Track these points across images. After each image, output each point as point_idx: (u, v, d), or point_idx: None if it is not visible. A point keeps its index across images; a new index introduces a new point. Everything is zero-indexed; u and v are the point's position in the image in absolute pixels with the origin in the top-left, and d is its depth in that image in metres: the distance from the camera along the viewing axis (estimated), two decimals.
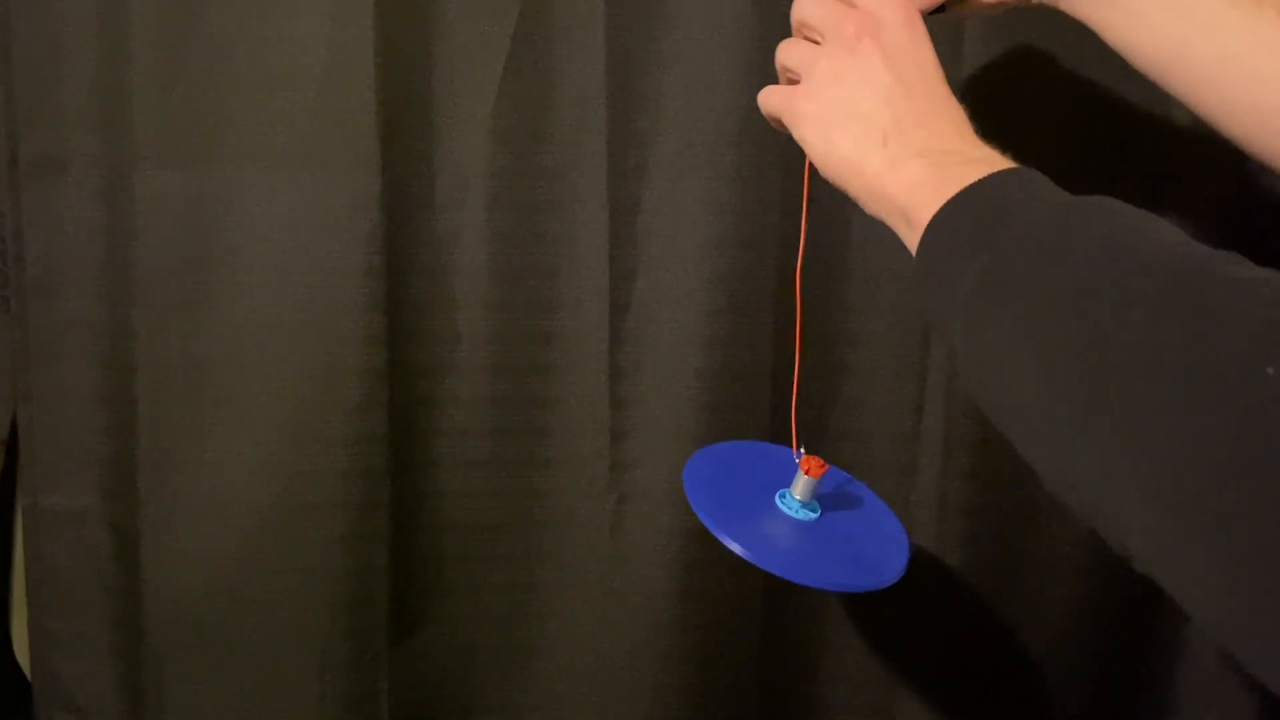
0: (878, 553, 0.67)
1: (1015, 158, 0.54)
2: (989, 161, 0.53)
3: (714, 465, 0.73)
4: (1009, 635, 0.87)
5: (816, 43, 0.61)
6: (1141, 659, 0.87)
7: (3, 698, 0.90)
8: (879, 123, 0.57)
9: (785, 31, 0.64)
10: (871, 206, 0.57)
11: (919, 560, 0.84)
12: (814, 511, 0.68)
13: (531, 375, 0.83)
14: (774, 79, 0.64)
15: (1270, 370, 0.36)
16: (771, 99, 0.63)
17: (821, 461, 0.67)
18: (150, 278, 0.80)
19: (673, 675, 0.85)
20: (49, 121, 0.78)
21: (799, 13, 0.62)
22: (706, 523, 0.65)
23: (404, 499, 0.83)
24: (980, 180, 0.51)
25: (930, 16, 0.68)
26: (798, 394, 0.71)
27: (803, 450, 0.70)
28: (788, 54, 0.63)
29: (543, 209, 0.81)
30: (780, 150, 0.78)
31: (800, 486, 0.68)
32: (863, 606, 0.87)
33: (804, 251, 0.68)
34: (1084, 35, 0.62)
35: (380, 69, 0.77)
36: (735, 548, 0.63)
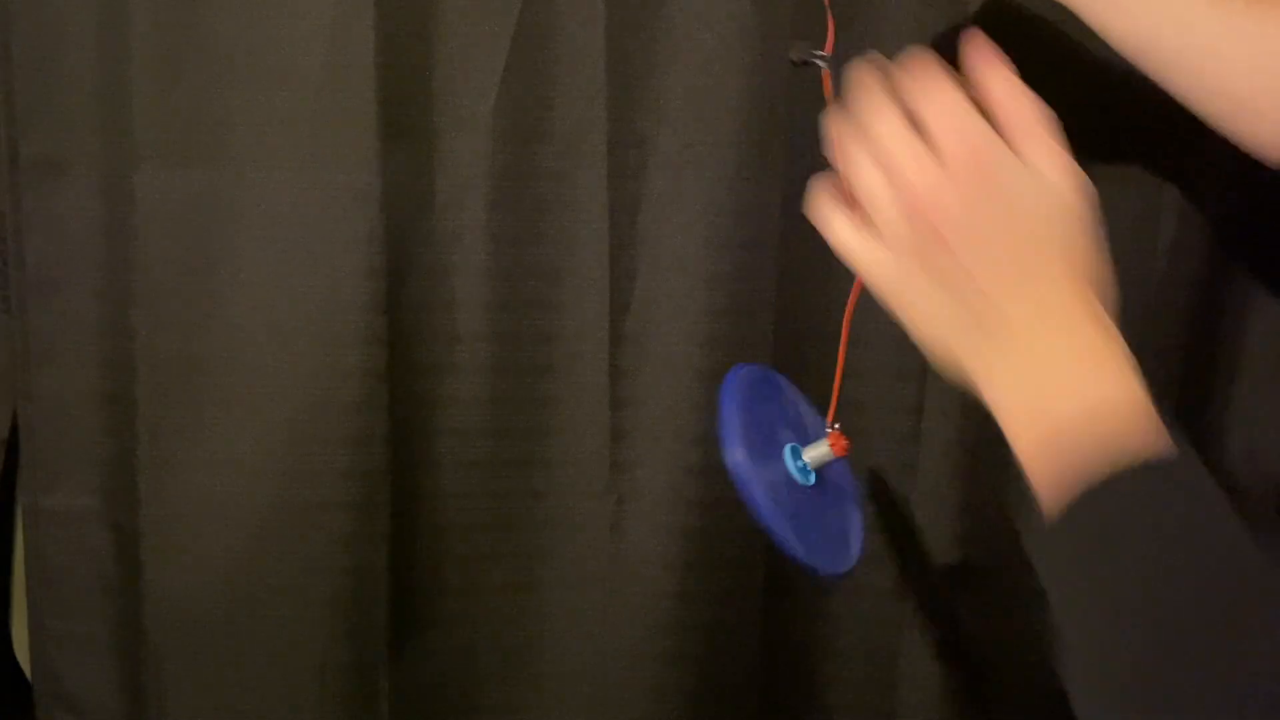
0: (835, 546, 0.67)
1: None
2: (1109, 418, 0.47)
3: (749, 388, 0.69)
4: (1009, 635, 0.87)
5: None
6: None
7: (3, 698, 0.90)
8: (971, 359, 0.52)
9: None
10: None
11: (920, 560, 0.84)
12: (809, 481, 0.68)
13: (531, 375, 0.83)
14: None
15: None
16: (850, 250, 0.54)
17: (848, 444, 0.66)
18: (150, 278, 0.79)
19: (673, 675, 0.85)
20: (49, 121, 0.78)
21: (869, 130, 0.52)
22: (733, 461, 0.63)
23: (404, 499, 0.83)
24: (1096, 490, 0.46)
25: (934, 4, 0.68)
26: (842, 367, 0.68)
27: (837, 425, 0.68)
28: (858, 181, 0.52)
29: (543, 209, 0.81)
30: (780, 150, 0.78)
31: (817, 454, 0.67)
32: (862, 607, 0.87)
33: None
34: (1084, 27, 0.62)
35: (380, 69, 0.77)
36: (749, 496, 0.62)
